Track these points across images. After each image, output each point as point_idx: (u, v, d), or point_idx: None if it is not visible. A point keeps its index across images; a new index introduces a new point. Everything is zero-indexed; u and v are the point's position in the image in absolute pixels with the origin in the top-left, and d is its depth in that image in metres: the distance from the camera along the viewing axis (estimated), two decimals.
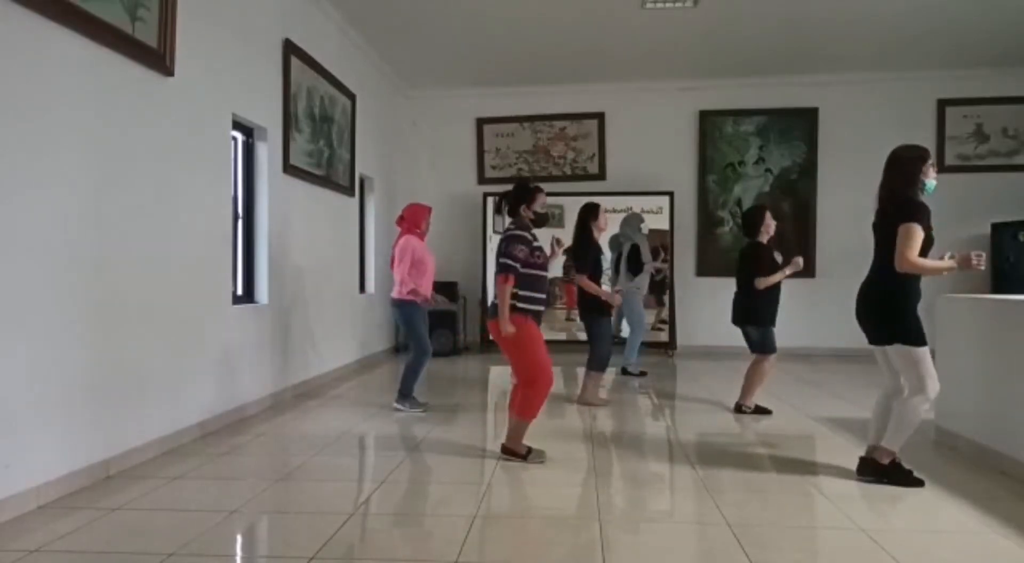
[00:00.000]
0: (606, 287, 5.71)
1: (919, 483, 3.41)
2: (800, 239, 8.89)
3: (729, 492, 3.40)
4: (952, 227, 7.49)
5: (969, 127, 8.83)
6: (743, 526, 2.90)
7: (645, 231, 7.44)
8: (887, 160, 3.47)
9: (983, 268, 3.36)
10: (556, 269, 8.36)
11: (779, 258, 5.21)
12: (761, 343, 5.10)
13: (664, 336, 8.82)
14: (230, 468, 3.85)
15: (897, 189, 3.36)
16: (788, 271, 5.05)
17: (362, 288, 8.07)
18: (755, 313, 5.07)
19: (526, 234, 3.84)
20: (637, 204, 8.64)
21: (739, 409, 5.19)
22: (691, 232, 9.23)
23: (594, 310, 5.42)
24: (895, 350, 3.41)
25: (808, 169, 9.09)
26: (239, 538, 2.94)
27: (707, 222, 9.27)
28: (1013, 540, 2.75)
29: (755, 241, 5.13)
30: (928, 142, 8.12)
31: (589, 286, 5.34)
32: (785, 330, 4.91)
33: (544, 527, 2.97)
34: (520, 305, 3.79)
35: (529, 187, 3.98)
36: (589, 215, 5.49)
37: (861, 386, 6.39)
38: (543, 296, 3.92)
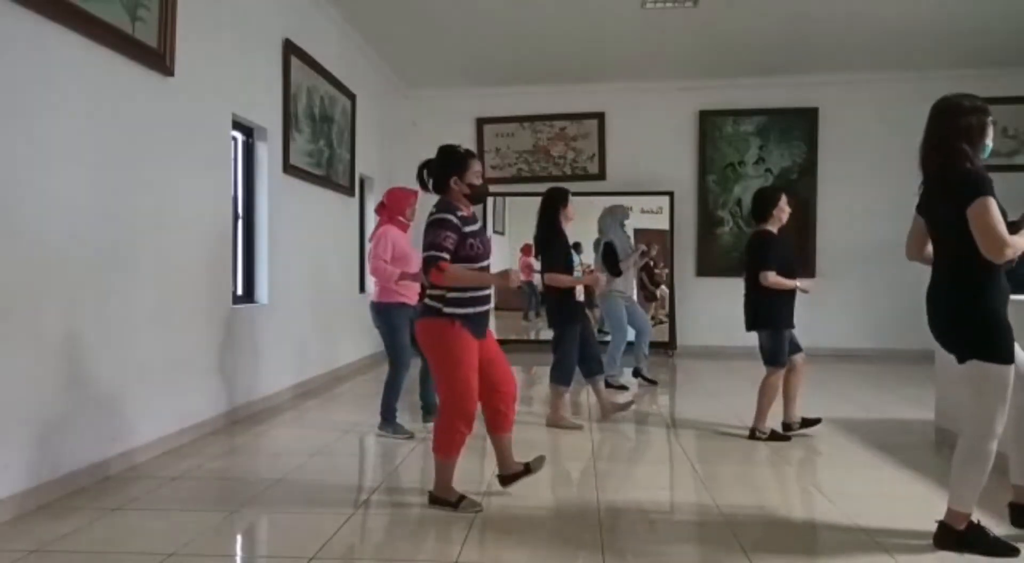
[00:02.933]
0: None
1: (1013, 551, 2.65)
2: (800, 239, 8.87)
3: (729, 492, 3.40)
4: None
5: None
6: (743, 525, 2.91)
7: (628, 229, 6.50)
8: (936, 112, 2.72)
9: None
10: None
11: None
12: (770, 350, 4.35)
13: (660, 335, 8.84)
14: (230, 468, 3.86)
15: (955, 151, 2.62)
16: (801, 285, 4.36)
17: (361, 288, 8.07)
18: (765, 314, 4.33)
19: (451, 217, 3.02)
20: (637, 204, 8.61)
21: (752, 435, 4.43)
22: (691, 232, 9.22)
23: (563, 313, 4.75)
24: (970, 369, 2.60)
25: (808, 169, 9.08)
26: (239, 538, 2.95)
27: (707, 222, 9.26)
28: (1013, 540, 2.75)
29: (763, 228, 4.43)
30: None
31: (559, 279, 4.65)
32: None
33: (544, 527, 2.97)
34: (447, 309, 2.99)
35: (459, 152, 3.20)
36: (558, 201, 4.77)
37: (861, 386, 6.39)
38: (485, 294, 3.09)
